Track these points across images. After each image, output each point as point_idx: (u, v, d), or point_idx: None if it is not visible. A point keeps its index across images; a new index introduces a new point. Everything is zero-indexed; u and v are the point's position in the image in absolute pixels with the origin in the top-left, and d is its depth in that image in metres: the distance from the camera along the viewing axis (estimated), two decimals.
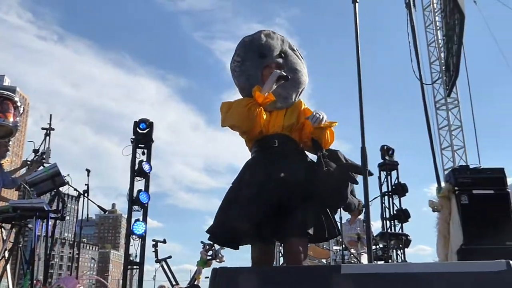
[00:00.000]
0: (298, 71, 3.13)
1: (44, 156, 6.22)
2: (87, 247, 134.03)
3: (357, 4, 2.52)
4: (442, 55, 11.39)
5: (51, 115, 7.04)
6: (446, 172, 10.34)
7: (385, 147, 9.90)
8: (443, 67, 11.22)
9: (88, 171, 8.49)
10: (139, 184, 7.51)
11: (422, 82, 11.12)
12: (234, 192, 2.87)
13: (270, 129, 2.96)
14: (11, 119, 5.33)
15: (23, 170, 6.23)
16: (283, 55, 3.12)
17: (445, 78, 11.16)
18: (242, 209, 2.69)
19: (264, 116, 2.91)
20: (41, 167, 6.06)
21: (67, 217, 6.99)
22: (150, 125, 7.73)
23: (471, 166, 6.61)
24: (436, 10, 11.95)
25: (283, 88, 3.00)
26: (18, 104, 5.46)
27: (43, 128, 6.76)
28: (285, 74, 2.96)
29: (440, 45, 11.60)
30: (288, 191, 2.71)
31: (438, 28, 11.82)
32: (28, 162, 6.14)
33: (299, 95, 3.15)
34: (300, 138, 3.04)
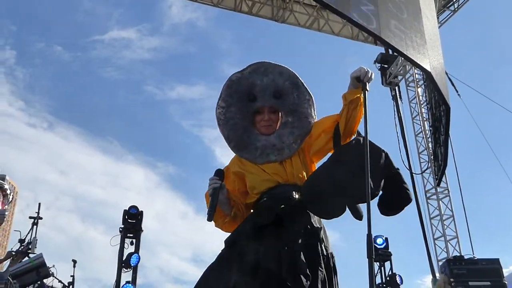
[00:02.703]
0: (299, 113, 2.53)
1: (30, 246, 6.06)
2: None
3: (367, 92, 2.51)
4: (430, 145, 11.59)
5: (39, 203, 6.96)
6: (440, 263, 10.17)
7: (377, 237, 9.76)
8: (432, 157, 11.37)
9: (75, 261, 8.23)
10: (126, 275, 7.29)
11: (411, 172, 11.24)
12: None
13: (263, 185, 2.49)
14: None
15: (7, 262, 6.04)
16: (279, 94, 2.54)
17: (434, 168, 11.28)
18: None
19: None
20: (26, 258, 5.88)
21: None
22: (140, 213, 7.62)
23: (465, 257, 6.54)
24: (422, 102, 12.32)
25: (278, 137, 2.50)
26: (8, 192, 5.39)
27: (30, 217, 6.66)
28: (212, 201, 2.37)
29: (428, 136, 11.83)
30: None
31: (424, 119, 12.12)
32: (13, 253, 5.97)
33: (302, 142, 2.53)
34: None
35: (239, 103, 2.55)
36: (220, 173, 2.45)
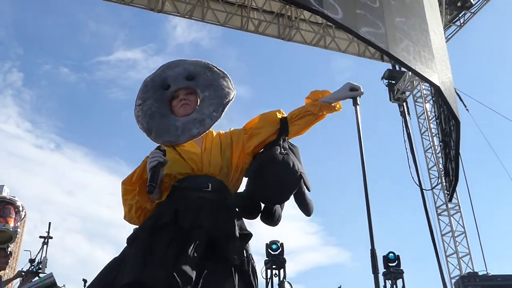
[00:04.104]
0: (213, 86, 2.52)
1: (41, 266, 6.05)
2: None
3: (358, 106, 2.52)
4: (440, 160, 11.54)
5: (50, 223, 6.95)
6: (453, 281, 10.04)
7: (389, 254, 9.64)
8: (442, 173, 11.30)
9: (85, 281, 8.19)
10: None
11: (422, 188, 11.16)
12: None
13: (204, 170, 2.33)
14: (11, 224, 5.24)
15: (16, 281, 6.03)
16: (191, 77, 2.55)
17: (445, 183, 11.21)
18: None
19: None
20: (36, 278, 5.86)
21: None
22: None
23: (479, 273, 6.45)
24: (430, 118, 12.29)
25: (198, 112, 2.44)
26: (20, 209, 5.41)
27: (41, 237, 6.65)
28: (149, 178, 2.15)
29: (437, 151, 11.78)
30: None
31: (433, 134, 12.07)
32: (23, 273, 5.96)
33: (224, 111, 2.47)
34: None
35: (154, 94, 2.53)
36: (164, 151, 2.27)
